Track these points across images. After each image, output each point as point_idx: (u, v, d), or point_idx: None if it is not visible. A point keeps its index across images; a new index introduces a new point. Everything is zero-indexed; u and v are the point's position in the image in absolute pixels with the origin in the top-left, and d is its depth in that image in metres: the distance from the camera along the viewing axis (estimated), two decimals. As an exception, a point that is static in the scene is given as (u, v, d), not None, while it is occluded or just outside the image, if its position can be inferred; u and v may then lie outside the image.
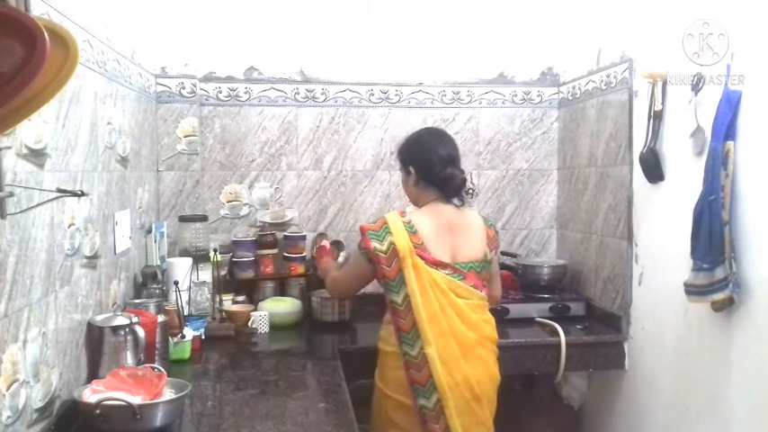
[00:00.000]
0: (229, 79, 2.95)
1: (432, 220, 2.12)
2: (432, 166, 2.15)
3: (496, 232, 2.24)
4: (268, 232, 2.93)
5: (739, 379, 1.94)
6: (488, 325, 2.14)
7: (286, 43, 2.97)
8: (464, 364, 2.03)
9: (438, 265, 2.07)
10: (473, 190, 3.14)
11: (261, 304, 2.70)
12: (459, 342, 2.04)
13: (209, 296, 2.60)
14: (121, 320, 1.84)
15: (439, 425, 2.02)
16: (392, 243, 2.05)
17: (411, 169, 2.18)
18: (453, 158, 2.17)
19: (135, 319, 1.86)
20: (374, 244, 2.06)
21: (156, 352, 2.00)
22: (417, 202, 2.22)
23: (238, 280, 2.84)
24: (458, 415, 2.01)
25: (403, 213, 2.14)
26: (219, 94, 2.94)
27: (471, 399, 2.03)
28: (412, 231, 2.07)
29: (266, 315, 2.60)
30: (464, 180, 2.17)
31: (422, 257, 2.05)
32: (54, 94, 1.12)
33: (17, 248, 1.38)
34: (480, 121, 3.14)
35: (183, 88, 2.85)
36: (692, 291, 1.98)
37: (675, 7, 2.19)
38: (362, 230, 2.13)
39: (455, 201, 2.18)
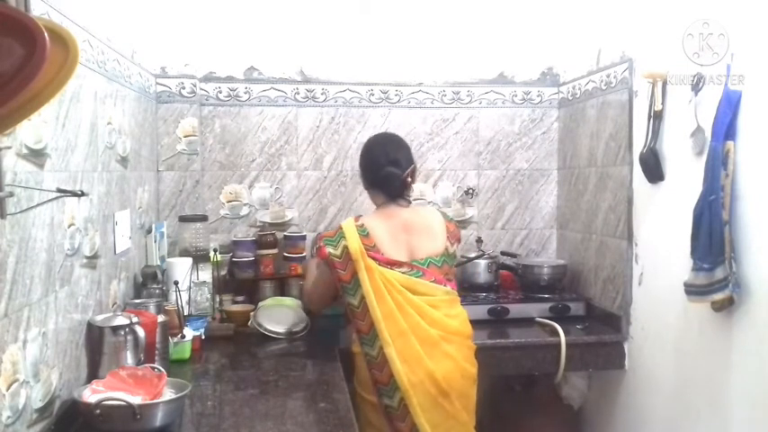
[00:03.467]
0: (229, 79, 2.95)
1: (384, 221, 2.18)
2: (370, 168, 2.25)
3: (456, 227, 2.31)
4: (268, 232, 2.92)
5: (739, 379, 1.94)
6: (455, 320, 2.15)
7: (286, 43, 2.97)
8: (428, 360, 2.05)
9: (392, 264, 2.11)
10: (473, 190, 3.15)
11: (261, 304, 2.70)
12: (420, 339, 2.06)
13: (209, 296, 2.60)
14: (121, 320, 1.84)
15: (405, 423, 2.04)
16: (345, 247, 2.11)
17: (361, 175, 2.31)
18: (392, 160, 2.22)
19: (135, 319, 1.86)
20: (329, 249, 2.14)
21: (156, 352, 1.99)
22: (374, 205, 2.30)
23: (238, 280, 2.84)
24: (423, 412, 2.03)
25: (357, 218, 2.20)
26: (219, 94, 2.94)
27: (438, 394, 2.04)
28: (364, 234, 2.13)
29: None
30: (404, 180, 2.22)
31: (374, 258, 2.10)
32: (54, 94, 1.12)
33: (17, 248, 1.38)
34: (480, 121, 3.13)
35: (183, 88, 2.85)
36: (692, 291, 1.98)
37: (675, 7, 2.19)
38: (319, 238, 2.22)
39: (400, 201, 2.23)
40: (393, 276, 2.09)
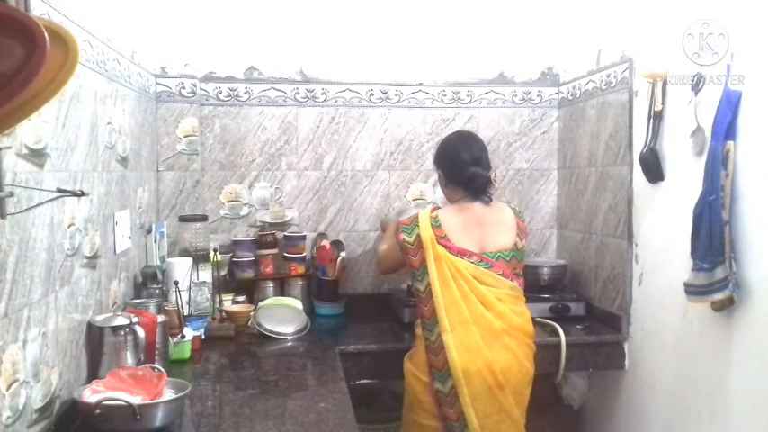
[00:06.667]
0: (229, 79, 2.95)
1: (458, 216, 2.24)
2: (455, 167, 2.29)
3: (524, 221, 2.35)
4: (268, 232, 2.93)
5: (739, 379, 1.94)
6: (520, 317, 2.20)
7: (286, 43, 2.97)
8: (487, 350, 2.09)
9: (462, 253, 2.17)
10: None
11: (261, 304, 2.70)
12: (482, 329, 2.11)
13: (209, 296, 2.60)
14: (121, 320, 1.84)
15: (453, 410, 2.09)
16: (418, 235, 2.20)
17: (439, 172, 2.37)
18: (477, 159, 2.28)
19: (135, 319, 1.86)
20: (404, 236, 2.25)
21: (156, 352, 2.00)
22: (449, 201, 2.35)
23: (238, 280, 2.84)
24: (474, 401, 2.07)
25: (434, 209, 2.28)
26: (219, 94, 2.94)
27: (494, 385, 2.09)
28: (436, 225, 2.21)
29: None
30: (488, 179, 2.28)
31: (445, 246, 2.16)
32: (54, 94, 1.12)
33: (17, 248, 1.38)
34: (480, 121, 3.13)
35: (183, 88, 2.85)
36: (692, 291, 1.98)
37: (675, 7, 2.19)
38: (399, 225, 2.32)
39: (483, 198, 2.28)
40: (462, 265, 2.15)
